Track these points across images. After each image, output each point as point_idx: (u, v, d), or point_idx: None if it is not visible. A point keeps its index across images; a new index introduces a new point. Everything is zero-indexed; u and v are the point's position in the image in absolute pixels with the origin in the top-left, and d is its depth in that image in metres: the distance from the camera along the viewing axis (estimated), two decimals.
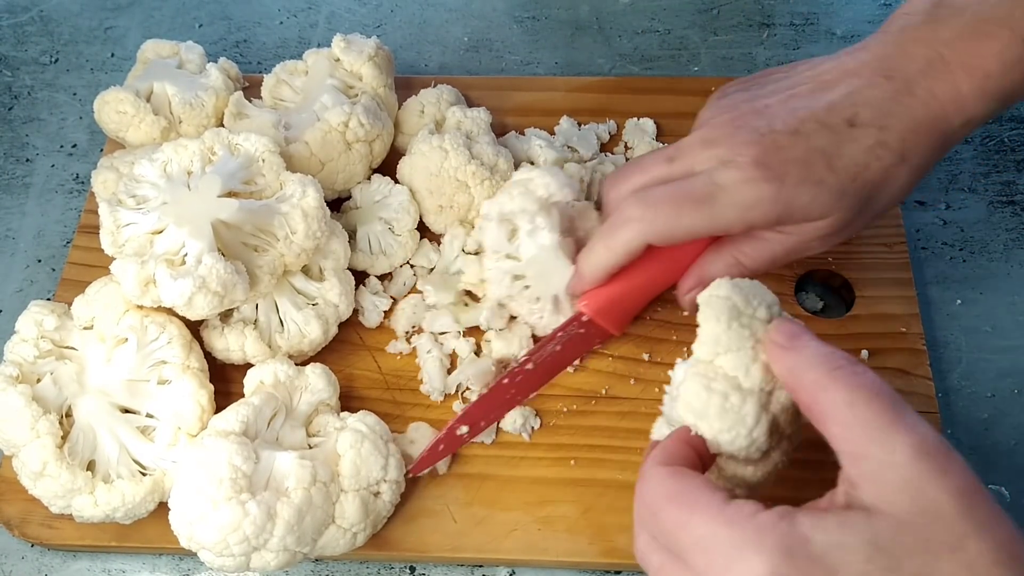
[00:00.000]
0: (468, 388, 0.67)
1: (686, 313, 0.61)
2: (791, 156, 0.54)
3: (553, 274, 0.66)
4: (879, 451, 0.38)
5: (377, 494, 0.60)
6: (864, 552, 0.36)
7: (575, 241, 0.68)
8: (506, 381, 0.64)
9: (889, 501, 0.37)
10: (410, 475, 0.62)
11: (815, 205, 0.54)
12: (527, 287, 0.68)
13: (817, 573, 0.36)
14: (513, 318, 0.70)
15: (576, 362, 0.69)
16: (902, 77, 0.55)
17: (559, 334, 0.64)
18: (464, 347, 0.69)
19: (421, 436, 0.65)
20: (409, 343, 0.70)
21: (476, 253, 0.72)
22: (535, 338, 0.69)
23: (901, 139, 0.54)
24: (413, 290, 0.73)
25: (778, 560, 0.37)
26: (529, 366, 0.64)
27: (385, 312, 0.72)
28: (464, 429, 0.63)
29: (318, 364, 0.65)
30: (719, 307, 0.46)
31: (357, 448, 0.59)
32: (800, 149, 0.54)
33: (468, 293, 0.72)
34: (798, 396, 0.44)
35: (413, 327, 0.71)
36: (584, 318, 0.64)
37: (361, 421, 0.61)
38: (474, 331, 0.70)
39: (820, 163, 0.54)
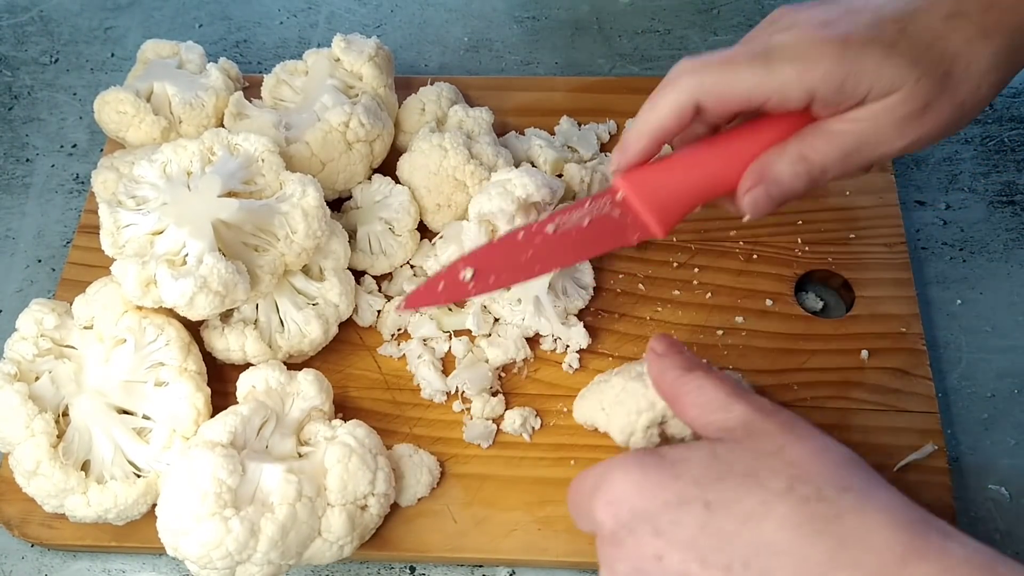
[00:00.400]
0: (466, 390, 0.67)
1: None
2: (858, 20, 0.50)
3: None
4: (722, 415, 0.47)
5: (364, 507, 0.60)
6: (704, 460, 0.45)
7: None
8: (520, 236, 0.55)
9: (728, 432, 0.47)
10: (400, 310, 0.57)
11: (884, 71, 0.48)
12: (507, 288, 0.68)
13: (666, 477, 0.44)
14: (497, 320, 0.70)
15: (575, 362, 0.69)
16: None
17: (588, 205, 0.55)
18: (460, 347, 0.69)
19: (410, 464, 0.64)
20: (399, 346, 0.70)
21: None
22: (528, 340, 0.69)
23: (982, 11, 0.50)
24: None
25: (636, 473, 0.45)
26: (549, 228, 0.55)
27: (379, 312, 0.72)
28: (468, 273, 0.54)
29: (310, 370, 0.65)
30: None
31: (344, 463, 0.58)
32: (868, 14, 0.50)
33: None
34: (662, 392, 0.52)
35: (399, 329, 0.71)
36: (619, 195, 0.54)
37: (350, 434, 0.60)
38: (468, 330, 0.70)
39: (891, 26, 0.49)
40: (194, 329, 0.66)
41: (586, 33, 0.92)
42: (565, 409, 0.67)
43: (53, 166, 0.85)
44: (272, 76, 0.78)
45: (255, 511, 0.55)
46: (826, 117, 0.51)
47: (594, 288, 0.71)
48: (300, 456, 0.61)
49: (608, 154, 0.79)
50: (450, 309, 0.71)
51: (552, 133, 0.81)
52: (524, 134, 0.80)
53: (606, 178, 0.77)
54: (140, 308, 0.63)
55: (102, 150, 0.83)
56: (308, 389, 0.63)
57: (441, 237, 0.72)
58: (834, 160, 0.52)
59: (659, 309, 0.71)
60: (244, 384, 0.63)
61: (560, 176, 0.76)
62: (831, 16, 0.50)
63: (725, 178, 0.53)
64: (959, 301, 0.74)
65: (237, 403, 0.63)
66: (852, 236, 0.74)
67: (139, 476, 0.61)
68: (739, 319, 0.70)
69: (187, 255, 0.61)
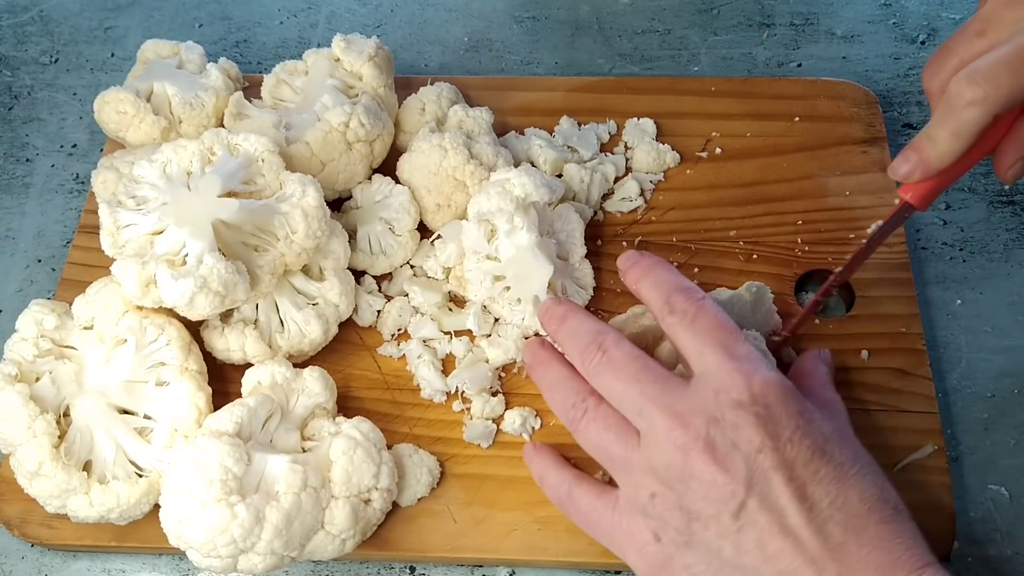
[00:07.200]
0: (466, 391, 0.67)
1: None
2: None
3: (532, 275, 0.66)
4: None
5: (368, 501, 0.60)
6: None
7: (556, 242, 0.68)
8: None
9: None
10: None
11: None
12: (507, 288, 0.68)
13: None
14: (497, 320, 0.70)
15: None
16: None
17: (884, 225, 0.61)
18: (460, 347, 0.69)
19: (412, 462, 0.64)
20: (399, 346, 0.70)
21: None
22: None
23: None
24: None
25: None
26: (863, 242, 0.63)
27: (379, 312, 0.72)
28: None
29: (316, 368, 0.65)
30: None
31: (350, 455, 0.59)
32: None
33: (453, 297, 0.72)
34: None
35: (399, 329, 0.71)
36: (898, 200, 0.59)
37: (355, 428, 0.61)
38: (468, 330, 0.70)
39: None
40: (194, 329, 0.66)
41: (586, 33, 0.92)
42: None
43: (53, 166, 0.85)
44: (272, 76, 0.78)
45: (260, 499, 0.55)
46: None
47: (594, 288, 0.71)
48: (304, 451, 0.61)
49: (608, 154, 0.79)
50: (450, 309, 0.71)
51: (552, 133, 0.81)
52: (524, 134, 0.80)
53: (605, 178, 0.77)
54: (140, 308, 0.64)
55: (102, 150, 0.83)
56: (314, 386, 0.63)
57: (440, 237, 0.72)
58: None
59: None
60: (249, 380, 0.64)
61: (560, 176, 0.76)
62: None
63: (979, 154, 0.57)
64: (959, 301, 0.74)
65: None
66: (852, 236, 0.74)
67: (141, 476, 0.61)
68: None
69: (187, 255, 0.61)
